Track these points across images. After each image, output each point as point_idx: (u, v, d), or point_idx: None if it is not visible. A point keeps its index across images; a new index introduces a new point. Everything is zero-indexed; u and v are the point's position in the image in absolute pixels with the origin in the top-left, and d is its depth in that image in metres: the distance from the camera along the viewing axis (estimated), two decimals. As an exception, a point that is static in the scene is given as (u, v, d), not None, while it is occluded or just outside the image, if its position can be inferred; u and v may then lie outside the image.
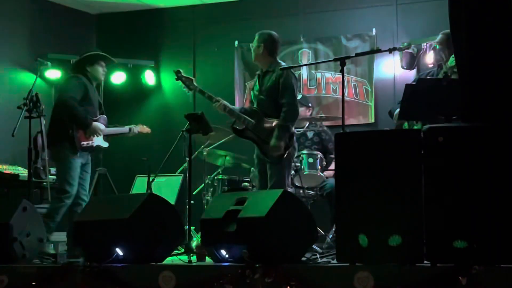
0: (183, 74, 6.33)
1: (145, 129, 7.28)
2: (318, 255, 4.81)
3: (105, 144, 6.64)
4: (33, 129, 6.02)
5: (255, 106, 6.16)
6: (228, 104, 6.18)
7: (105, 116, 6.65)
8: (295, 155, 6.38)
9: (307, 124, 7.57)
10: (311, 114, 7.76)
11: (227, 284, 4.04)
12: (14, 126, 5.86)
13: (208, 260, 4.84)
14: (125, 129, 7.05)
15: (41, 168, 6.82)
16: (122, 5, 9.17)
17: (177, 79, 6.34)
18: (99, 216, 4.82)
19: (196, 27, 9.21)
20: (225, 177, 7.38)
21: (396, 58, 8.11)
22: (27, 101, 5.79)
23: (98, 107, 6.60)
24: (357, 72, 8.44)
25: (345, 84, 5.53)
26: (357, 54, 5.98)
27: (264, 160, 6.09)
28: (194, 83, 6.29)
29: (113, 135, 6.93)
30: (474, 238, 3.75)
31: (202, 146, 7.43)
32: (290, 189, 6.36)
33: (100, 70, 6.61)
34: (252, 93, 6.33)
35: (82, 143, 6.28)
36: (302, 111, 7.10)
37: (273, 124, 5.99)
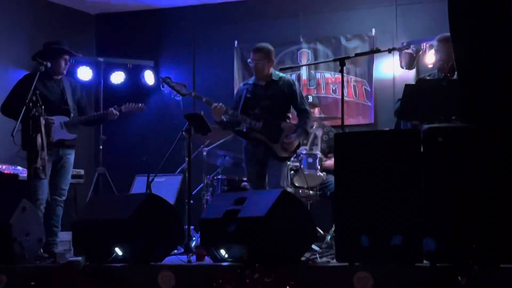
0: (172, 80, 6.28)
1: (133, 107, 6.97)
2: (317, 255, 4.82)
3: (69, 137, 6.47)
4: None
5: (257, 110, 6.19)
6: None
7: (67, 108, 6.45)
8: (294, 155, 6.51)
9: (315, 124, 7.58)
10: (320, 114, 7.89)
11: (227, 284, 4.04)
12: (13, 126, 5.86)
13: (207, 260, 4.84)
14: (99, 113, 6.86)
15: (41, 168, 6.80)
16: (122, 5, 9.17)
17: (163, 87, 6.31)
18: (99, 216, 4.82)
19: (196, 27, 9.21)
20: (225, 177, 7.38)
21: (396, 59, 8.10)
22: (27, 101, 5.77)
23: (59, 102, 6.43)
24: (357, 72, 8.43)
25: (345, 84, 5.54)
26: (357, 55, 5.99)
27: (263, 160, 6.22)
28: (187, 89, 6.29)
29: (88, 123, 6.84)
30: (474, 238, 3.76)
31: (202, 146, 7.42)
32: (289, 189, 6.40)
33: (63, 64, 6.49)
34: (244, 98, 6.30)
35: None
36: (315, 111, 7.49)
37: (282, 126, 6.19)
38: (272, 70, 6.29)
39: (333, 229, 6.09)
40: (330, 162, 7.06)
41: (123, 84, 9.04)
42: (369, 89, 8.38)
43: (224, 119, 6.23)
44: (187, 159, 6.12)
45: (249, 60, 6.37)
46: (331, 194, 6.98)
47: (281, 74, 6.36)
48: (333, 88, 8.52)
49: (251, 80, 6.39)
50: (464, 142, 3.91)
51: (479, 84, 4.15)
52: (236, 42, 8.93)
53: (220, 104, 6.13)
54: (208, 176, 7.40)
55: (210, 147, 7.37)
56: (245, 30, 8.96)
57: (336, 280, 3.93)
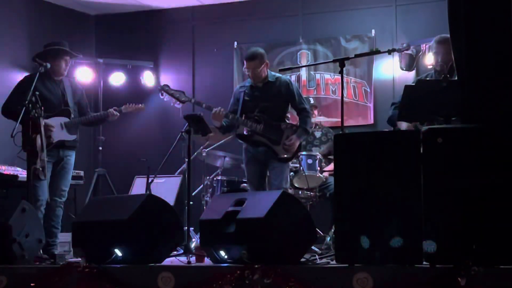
0: (170, 88, 6.26)
1: (133, 107, 7.03)
2: (317, 256, 4.82)
3: (69, 137, 6.49)
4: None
5: (256, 112, 6.18)
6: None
7: (67, 109, 6.48)
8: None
9: (313, 125, 7.61)
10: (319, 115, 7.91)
11: (226, 285, 4.03)
12: (13, 126, 5.86)
13: (207, 261, 4.84)
14: (100, 114, 6.87)
15: (40, 168, 6.80)
16: (121, 6, 9.17)
17: (162, 95, 6.28)
18: (99, 217, 4.82)
19: (195, 28, 9.22)
20: (224, 178, 7.38)
21: (395, 59, 8.11)
22: (26, 101, 5.77)
23: (59, 102, 6.45)
24: (356, 73, 8.44)
25: (344, 85, 5.53)
26: (356, 55, 5.97)
27: (264, 161, 6.24)
28: (186, 95, 6.28)
29: (88, 124, 6.86)
30: (473, 239, 3.76)
31: (201, 147, 7.42)
32: (289, 190, 6.40)
33: (63, 65, 6.51)
34: (243, 101, 6.28)
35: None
36: (315, 113, 7.53)
37: (282, 127, 6.19)
38: (268, 71, 6.28)
39: (332, 230, 6.11)
40: (330, 167, 7.07)
41: (123, 85, 9.04)
42: (368, 90, 8.38)
43: (224, 124, 6.22)
44: (186, 160, 6.12)
45: (244, 68, 6.33)
46: (331, 195, 6.98)
47: (277, 75, 6.35)
48: (333, 89, 8.53)
49: (247, 82, 6.37)
50: (464, 142, 3.90)
51: (479, 85, 4.15)
52: (235, 42, 8.93)
53: (221, 108, 6.12)
54: (207, 177, 7.40)
55: (210, 148, 7.37)
56: (245, 30, 8.97)
57: (335, 281, 3.92)
